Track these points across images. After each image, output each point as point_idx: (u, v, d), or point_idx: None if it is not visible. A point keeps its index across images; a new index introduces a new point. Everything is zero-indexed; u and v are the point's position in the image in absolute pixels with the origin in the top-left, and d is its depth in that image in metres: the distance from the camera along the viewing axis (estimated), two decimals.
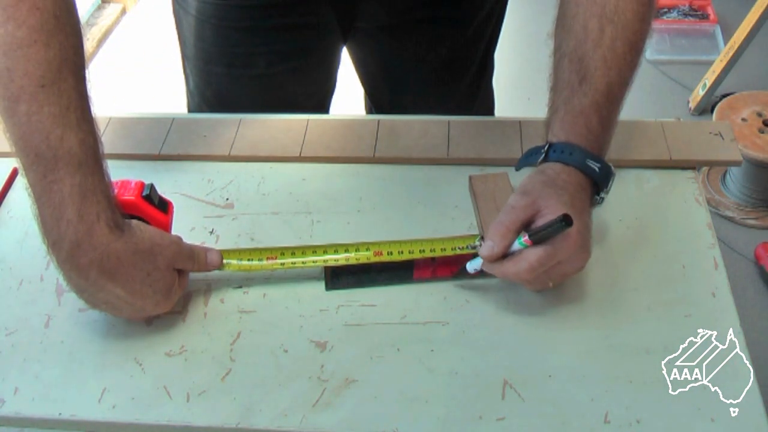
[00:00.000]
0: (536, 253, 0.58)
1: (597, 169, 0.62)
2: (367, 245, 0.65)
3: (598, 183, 0.63)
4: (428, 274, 0.65)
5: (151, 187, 0.62)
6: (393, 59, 0.97)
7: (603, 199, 0.64)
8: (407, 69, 0.98)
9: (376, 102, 1.08)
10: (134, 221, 0.59)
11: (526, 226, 0.60)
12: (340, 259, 0.64)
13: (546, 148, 0.64)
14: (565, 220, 0.56)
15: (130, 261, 0.56)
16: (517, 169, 0.68)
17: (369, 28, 0.93)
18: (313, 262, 0.65)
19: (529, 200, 0.60)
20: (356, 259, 0.64)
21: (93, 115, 0.57)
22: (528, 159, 0.66)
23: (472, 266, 0.63)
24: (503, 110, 1.12)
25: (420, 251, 0.64)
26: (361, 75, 1.06)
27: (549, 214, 0.58)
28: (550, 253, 0.58)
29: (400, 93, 1.02)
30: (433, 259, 0.65)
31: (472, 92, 1.03)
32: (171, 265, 0.59)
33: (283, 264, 0.64)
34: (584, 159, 0.62)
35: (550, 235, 0.57)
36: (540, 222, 0.59)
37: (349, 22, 0.91)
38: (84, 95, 0.57)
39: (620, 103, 0.66)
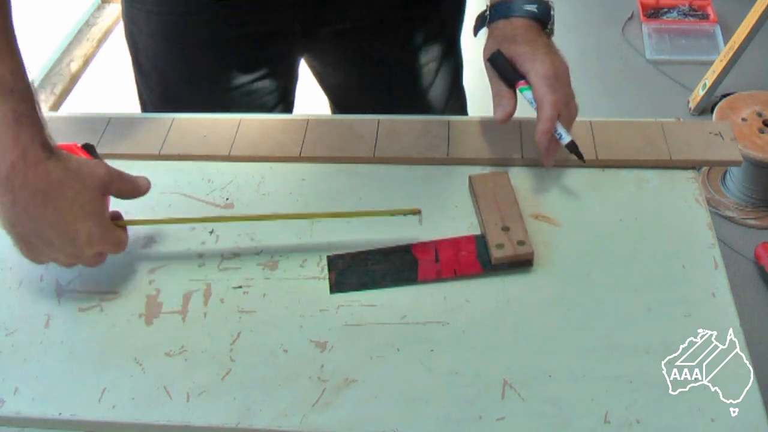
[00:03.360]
0: (546, 96, 0.68)
1: (536, 10, 0.73)
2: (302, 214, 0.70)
3: (542, 20, 0.73)
4: (432, 275, 0.65)
5: (92, 146, 0.66)
6: (357, 63, 0.96)
7: (552, 30, 0.75)
8: (371, 72, 0.96)
9: (340, 107, 1.06)
10: (63, 150, 0.60)
11: (512, 81, 0.71)
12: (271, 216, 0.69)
13: (489, 12, 0.75)
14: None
15: (60, 179, 0.57)
16: (474, 35, 0.78)
17: (332, 32, 0.91)
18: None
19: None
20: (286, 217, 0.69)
21: (18, 49, 0.58)
22: (479, 27, 0.77)
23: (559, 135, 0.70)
24: None
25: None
26: (324, 84, 1.03)
27: (518, 57, 0.71)
28: (552, 85, 0.69)
29: (365, 97, 1.00)
30: (436, 260, 0.66)
31: (442, 91, 1.01)
32: (100, 185, 0.60)
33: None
34: (522, 6, 0.73)
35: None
36: (523, 64, 0.70)
37: (313, 28, 0.90)
38: (9, 28, 0.58)
39: None
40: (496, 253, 0.64)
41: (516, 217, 0.67)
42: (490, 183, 0.71)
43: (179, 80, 0.92)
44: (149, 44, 0.90)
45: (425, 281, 0.65)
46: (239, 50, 0.89)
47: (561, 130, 0.70)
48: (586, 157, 0.73)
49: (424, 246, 0.67)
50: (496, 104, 0.72)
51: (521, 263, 0.65)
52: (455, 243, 0.67)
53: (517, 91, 0.71)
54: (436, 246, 0.67)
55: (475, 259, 0.66)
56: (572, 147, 0.70)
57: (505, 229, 0.66)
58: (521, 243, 0.65)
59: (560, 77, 0.70)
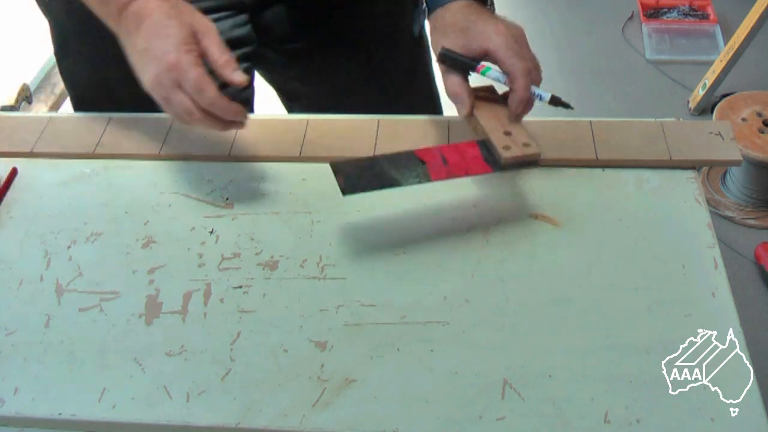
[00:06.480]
0: (516, 66, 0.68)
1: None
2: None
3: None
4: (443, 175, 0.65)
5: None
6: (311, 67, 0.95)
7: (492, 3, 0.77)
8: (323, 75, 0.95)
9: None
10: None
11: (468, 69, 0.71)
12: None
13: (425, 4, 0.75)
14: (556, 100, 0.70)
15: (156, 5, 0.65)
16: (415, 34, 0.78)
17: (283, 35, 0.91)
18: None
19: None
20: None
21: None
22: (419, 20, 0.79)
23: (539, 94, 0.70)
24: None
25: None
26: (281, 93, 1.03)
27: (472, 40, 0.70)
28: (517, 53, 0.68)
29: (321, 99, 0.98)
30: (444, 163, 0.66)
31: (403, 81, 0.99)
32: (190, 26, 0.65)
33: None
34: None
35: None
36: (481, 43, 0.69)
37: (263, 33, 0.89)
38: None
39: None
40: (505, 154, 0.66)
41: (514, 123, 0.69)
42: (482, 94, 0.73)
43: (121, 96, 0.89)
44: (88, 70, 0.89)
45: (438, 179, 0.65)
46: None
47: (538, 91, 0.70)
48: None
49: (428, 151, 0.67)
50: (456, 102, 0.72)
51: (529, 163, 0.67)
52: (459, 148, 0.68)
53: (480, 74, 0.71)
54: (441, 151, 0.67)
55: (483, 161, 0.67)
56: (556, 100, 0.71)
57: (507, 133, 0.68)
58: (526, 145, 0.66)
59: (520, 41, 0.70)
